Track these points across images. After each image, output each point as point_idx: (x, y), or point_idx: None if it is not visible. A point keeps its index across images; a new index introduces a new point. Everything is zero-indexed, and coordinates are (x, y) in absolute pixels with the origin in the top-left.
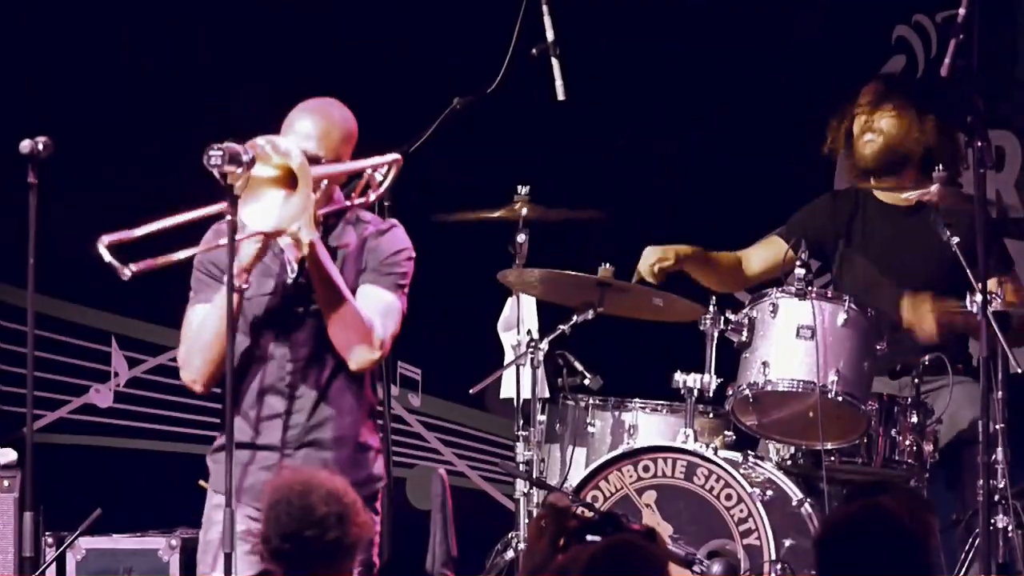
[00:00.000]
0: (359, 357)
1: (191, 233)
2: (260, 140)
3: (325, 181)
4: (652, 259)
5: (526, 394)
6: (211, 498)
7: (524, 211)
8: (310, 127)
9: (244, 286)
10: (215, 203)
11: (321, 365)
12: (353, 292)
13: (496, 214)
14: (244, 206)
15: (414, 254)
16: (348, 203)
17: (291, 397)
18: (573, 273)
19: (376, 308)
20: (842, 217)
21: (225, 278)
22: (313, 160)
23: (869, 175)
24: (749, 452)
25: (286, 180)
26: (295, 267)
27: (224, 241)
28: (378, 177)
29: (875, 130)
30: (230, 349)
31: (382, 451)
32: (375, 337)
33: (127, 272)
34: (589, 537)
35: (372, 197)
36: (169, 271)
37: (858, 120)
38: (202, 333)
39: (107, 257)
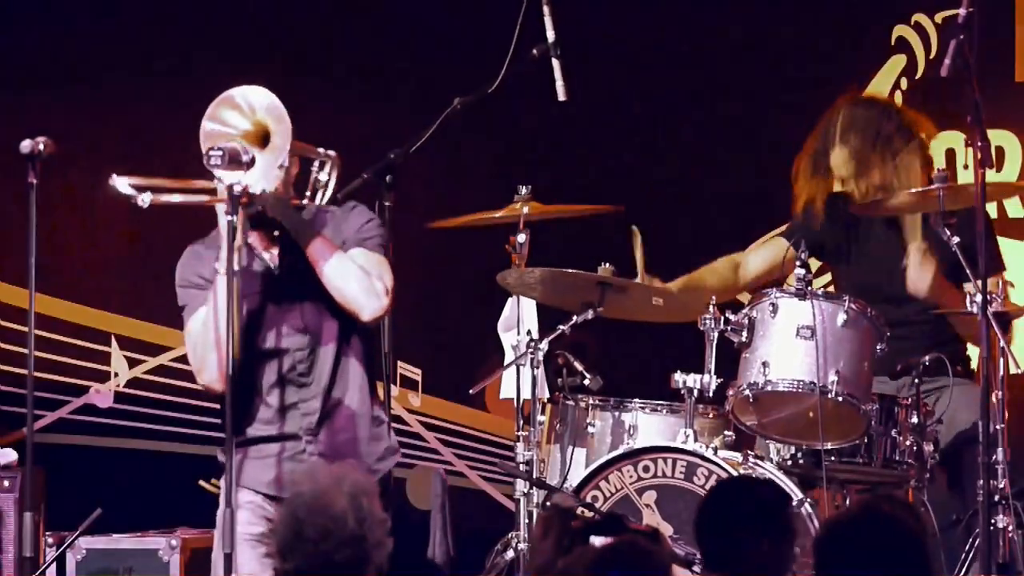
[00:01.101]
0: (370, 305)
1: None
2: (236, 93)
3: (286, 159)
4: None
5: (526, 394)
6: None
7: (525, 210)
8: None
9: (243, 263)
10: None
11: (324, 348)
12: None
13: (497, 214)
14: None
15: (381, 222)
16: (304, 202)
17: (303, 385)
18: (573, 272)
19: (369, 264)
20: (840, 220)
21: (217, 278)
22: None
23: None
24: (749, 452)
25: (258, 137)
26: (275, 261)
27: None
28: (322, 179)
29: (853, 193)
30: (229, 344)
31: (390, 422)
32: (378, 284)
33: (144, 200)
34: (592, 538)
35: (322, 199)
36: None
37: (836, 184)
38: (209, 331)
39: (123, 188)
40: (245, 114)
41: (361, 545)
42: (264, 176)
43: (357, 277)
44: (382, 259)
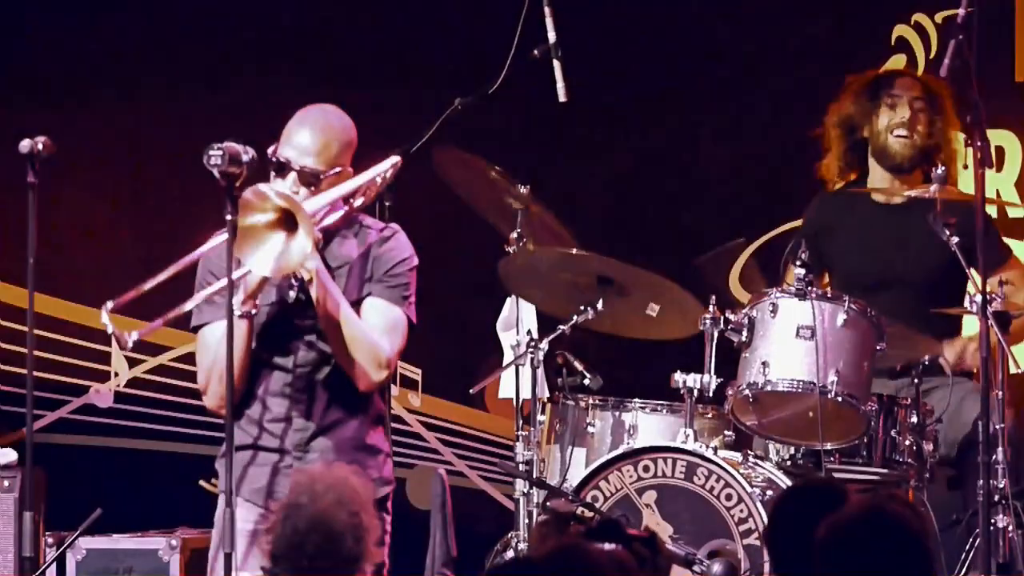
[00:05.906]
0: (368, 380)
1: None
2: (248, 193)
3: (327, 209)
4: None
5: (526, 394)
6: (223, 501)
7: (520, 212)
8: (308, 141)
9: (253, 311)
10: (215, 234)
11: (329, 371)
12: (359, 300)
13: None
14: (247, 253)
15: (416, 261)
16: (349, 209)
17: (299, 401)
18: (580, 253)
19: (383, 324)
20: (836, 218)
21: (233, 295)
22: (312, 175)
23: (895, 170)
24: (749, 452)
25: (284, 221)
26: (296, 280)
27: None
28: (377, 179)
29: (911, 127)
30: (229, 353)
31: (391, 456)
32: (382, 356)
33: (129, 342)
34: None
35: (371, 196)
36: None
37: (900, 110)
38: (220, 360)
39: (110, 328)
40: (262, 209)
41: (356, 563)
42: (303, 259)
43: (364, 348)
44: (400, 316)
